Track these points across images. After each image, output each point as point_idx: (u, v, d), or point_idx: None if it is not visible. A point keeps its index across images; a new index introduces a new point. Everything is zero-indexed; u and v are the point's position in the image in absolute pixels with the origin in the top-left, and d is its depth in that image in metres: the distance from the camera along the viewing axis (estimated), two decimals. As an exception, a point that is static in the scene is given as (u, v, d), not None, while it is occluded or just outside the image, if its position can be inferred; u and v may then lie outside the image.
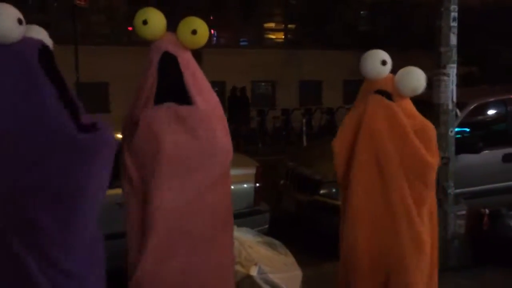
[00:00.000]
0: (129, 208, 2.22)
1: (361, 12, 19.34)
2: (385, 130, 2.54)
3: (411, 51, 14.45)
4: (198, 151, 2.21)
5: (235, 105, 13.32)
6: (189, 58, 2.32)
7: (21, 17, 1.86)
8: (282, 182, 5.56)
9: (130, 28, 14.24)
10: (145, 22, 2.20)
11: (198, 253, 2.20)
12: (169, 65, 2.24)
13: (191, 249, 2.19)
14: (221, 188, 2.30)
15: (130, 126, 2.24)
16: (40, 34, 2.03)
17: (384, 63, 2.56)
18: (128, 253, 2.22)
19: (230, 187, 2.38)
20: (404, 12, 17.93)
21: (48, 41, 2.04)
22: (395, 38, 17.59)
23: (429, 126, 2.69)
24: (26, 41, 1.86)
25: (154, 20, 2.23)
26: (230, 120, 12.74)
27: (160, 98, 2.20)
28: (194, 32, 2.25)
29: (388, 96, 2.57)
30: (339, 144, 2.67)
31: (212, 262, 2.24)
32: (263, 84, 17.86)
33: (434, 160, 2.64)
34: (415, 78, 2.54)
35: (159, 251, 2.13)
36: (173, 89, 2.22)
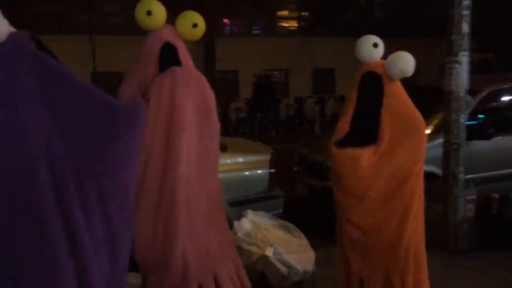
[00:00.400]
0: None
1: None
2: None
3: (426, 38, 14.38)
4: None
5: (261, 92, 13.35)
6: (186, 49, 2.46)
7: None
8: (295, 168, 5.70)
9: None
10: (149, 13, 2.32)
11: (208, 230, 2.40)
12: (168, 55, 2.38)
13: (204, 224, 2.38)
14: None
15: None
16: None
17: (375, 45, 2.69)
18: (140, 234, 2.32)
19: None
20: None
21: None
22: (409, 25, 17.49)
23: (416, 117, 2.70)
24: (17, 34, 1.74)
25: (158, 11, 2.36)
26: (259, 109, 12.96)
27: None
28: (195, 25, 2.40)
29: (378, 77, 2.69)
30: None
31: (217, 238, 2.44)
32: (276, 72, 17.91)
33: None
34: (404, 61, 2.64)
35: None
36: None
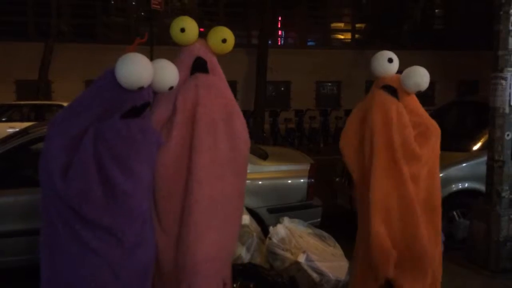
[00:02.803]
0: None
1: (436, 11, 18.71)
2: (384, 122, 2.73)
3: (488, 52, 13.86)
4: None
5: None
6: (216, 62, 2.69)
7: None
8: (337, 179, 5.74)
9: (201, 29, 14.94)
10: (182, 30, 2.57)
11: (227, 227, 2.59)
12: (199, 68, 2.60)
13: (223, 223, 2.57)
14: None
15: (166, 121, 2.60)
16: (168, 74, 2.43)
17: (390, 60, 2.79)
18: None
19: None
20: (480, 11, 17.14)
21: (173, 81, 2.46)
22: (470, 38, 16.92)
23: (432, 125, 2.83)
24: (135, 94, 2.29)
25: (191, 28, 2.60)
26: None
27: None
28: (224, 40, 2.62)
29: (394, 91, 2.76)
30: (345, 145, 2.90)
31: (234, 234, 2.66)
32: (329, 84, 17.87)
33: (423, 151, 2.77)
34: (418, 74, 2.72)
35: (199, 225, 2.48)
36: None
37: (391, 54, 2.84)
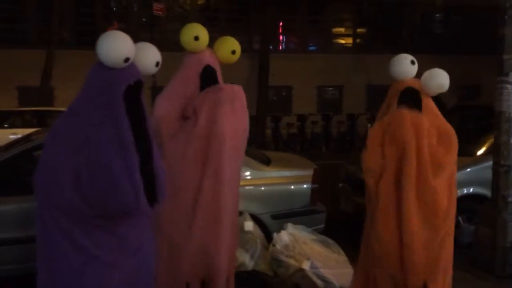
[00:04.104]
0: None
1: (436, 15, 18.73)
2: (411, 140, 2.68)
3: (489, 56, 13.85)
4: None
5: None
6: (219, 71, 2.75)
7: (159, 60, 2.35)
8: (340, 185, 5.70)
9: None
10: (196, 38, 2.58)
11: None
12: (208, 76, 2.65)
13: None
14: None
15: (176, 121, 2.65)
16: (149, 50, 2.36)
17: (413, 62, 2.79)
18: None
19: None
20: (480, 16, 17.17)
21: (156, 56, 2.37)
22: (470, 43, 16.93)
23: (450, 129, 2.84)
24: (124, 72, 2.19)
25: (204, 37, 2.61)
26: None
27: None
28: (233, 52, 2.65)
29: (416, 92, 2.76)
30: (370, 159, 2.86)
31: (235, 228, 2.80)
32: (330, 89, 17.87)
33: (448, 158, 2.76)
34: (441, 76, 2.73)
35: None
36: None
37: (411, 57, 2.84)
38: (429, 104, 2.83)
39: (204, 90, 2.62)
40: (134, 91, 2.23)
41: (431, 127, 2.75)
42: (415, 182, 2.65)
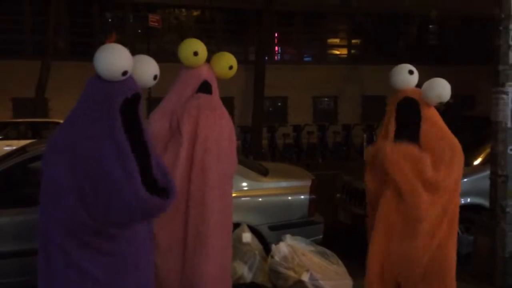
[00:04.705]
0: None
1: (431, 26, 18.92)
2: (406, 169, 2.75)
3: (484, 67, 13.98)
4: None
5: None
6: (216, 85, 2.80)
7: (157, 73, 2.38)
8: (338, 195, 5.68)
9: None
10: (196, 54, 2.62)
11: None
12: (203, 90, 2.70)
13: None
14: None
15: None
16: (148, 63, 2.38)
17: (411, 72, 2.79)
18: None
19: None
20: (475, 27, 17.36)
21: (154, 69, 2.39)
22: (465, 54, 17.08)
23: (453, 141, 2.84)
24: (122, 85, 2.19)
25: (203, 52, 2.67)
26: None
27: None
28: (231, 67, 2.69)
29: (415, 103, 2.76)
30: (371, 182, 2.94)
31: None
32: (325, 99, 17.94)
33: (438, 177, 2.78)
34: (440, 86, 2.72)
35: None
36: None
37: (411, 67, 2.85)
38: (430, 115, 2.82)
39: (184, 99, 2.68)
40: (132, 103, 2.23)
41: (438, 140, 2.77)
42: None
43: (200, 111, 2.60)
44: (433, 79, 2.82)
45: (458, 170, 2.82)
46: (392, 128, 2.91)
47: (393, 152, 2.75)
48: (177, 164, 2.57)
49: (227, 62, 2.74)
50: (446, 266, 2.86)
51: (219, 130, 2.64)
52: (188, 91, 2.67)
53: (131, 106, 2.23)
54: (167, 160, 2.58)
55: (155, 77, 2.37)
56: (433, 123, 2.81)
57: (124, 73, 2.17)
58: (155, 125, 2.68)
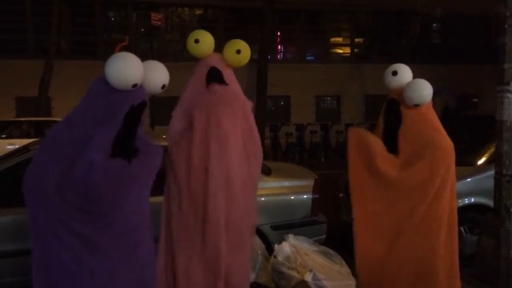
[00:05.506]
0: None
1: (434, 25, 18.84)
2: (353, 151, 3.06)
3: (487, 66, 13.92)
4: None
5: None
6: (231, 74, 2.74)
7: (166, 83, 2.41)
8: (341, 195, 5.66)
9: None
10: (196, 41, 2.62)
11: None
12: (214, 78, 2.66)
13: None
14: None
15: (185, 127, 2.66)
16: (159, 72, 2.39)
17: (394, 73, 2.80)
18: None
19: None
20: (479, 25, 17.29)
21: (164, 79, 2.40)
22: (468, 52, 17.01)
23: (439, 142, 2.82)
24: (130, 94, 2.20)
25: (204, 40, 2.65)
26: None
27: None
28: (238, 51, 2.67)
29: (397, 104, 2.79)
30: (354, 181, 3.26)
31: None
32: (328, 98, 17.90)
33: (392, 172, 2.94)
34: (419, 88, 2.72)
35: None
36: None
37: (397, 67, 2.84)
38: (414, 115, 2.84)
39: (197, 92, 2.64)
40: (136, 110, 2.23)
41: (414, 138, 2.79)
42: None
43: (217, 107, 2.58)
44: (415, 80, 2.83)
45: (444, 166, 2.81)
46: (379, 128, 2.99)
47: (349, 136, 3.00)
48: (191, 161, 2.57)
49: (234, 46, 2.71)
50: (435, 271, 2.87)
51: (241, 125, 2.65)
52: (200, 81, 2.69)
53: (136, 112, 2.24)
54: (179, 157, 2.58)
55: (163, 87, 2.38)
56: (414, 122, 2.83)
57: (134, 85, 2.17)
58: (174, 127, 2.71)
